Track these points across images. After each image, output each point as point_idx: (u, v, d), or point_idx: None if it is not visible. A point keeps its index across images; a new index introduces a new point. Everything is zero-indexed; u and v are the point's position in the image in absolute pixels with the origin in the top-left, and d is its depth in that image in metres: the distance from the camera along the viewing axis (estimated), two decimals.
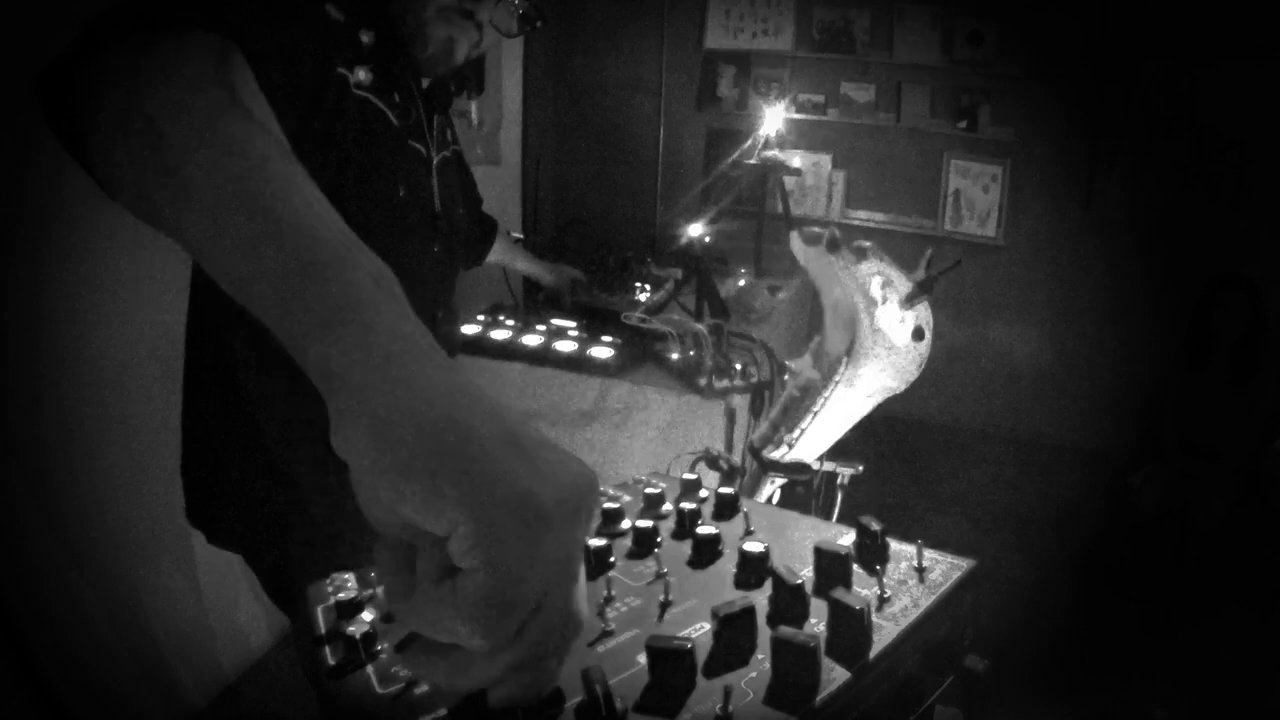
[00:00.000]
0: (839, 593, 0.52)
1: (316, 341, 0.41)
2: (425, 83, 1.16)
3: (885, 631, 0.52)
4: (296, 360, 0.43)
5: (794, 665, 0.47)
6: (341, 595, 0.58)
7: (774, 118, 3.06)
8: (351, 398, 0.40)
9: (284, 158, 0.50)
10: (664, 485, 0.77)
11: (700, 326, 1.89)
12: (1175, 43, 3.54)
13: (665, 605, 0.57)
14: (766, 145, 2.98)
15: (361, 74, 0.98)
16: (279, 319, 0.43)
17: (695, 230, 2.53)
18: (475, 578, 0.37)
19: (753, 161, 3.00)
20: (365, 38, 1.00)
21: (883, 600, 0.56)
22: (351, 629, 0.53)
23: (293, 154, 0.51)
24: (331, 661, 0.52)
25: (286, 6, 0.82)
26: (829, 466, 1.01)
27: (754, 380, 1.67)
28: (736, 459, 1.13)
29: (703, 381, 1.84)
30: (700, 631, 0.53)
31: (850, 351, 0.91)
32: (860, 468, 1.02)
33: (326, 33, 0.93)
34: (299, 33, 0.84)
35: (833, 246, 0.88)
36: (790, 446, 0.96)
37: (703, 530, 0.65)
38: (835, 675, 0.48)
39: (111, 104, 0.52)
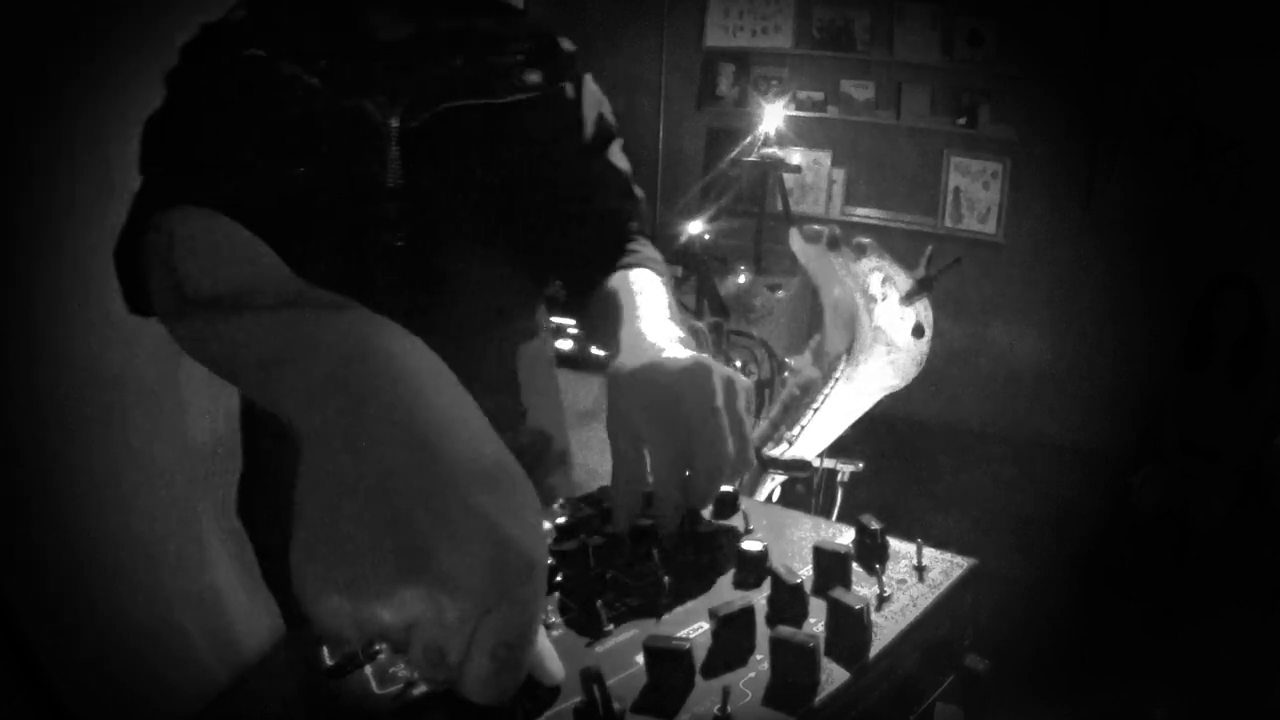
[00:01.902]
0: (838, 592, 0.52)
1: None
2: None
3: (885, 631, 0.52)
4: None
5: (793, 665, 0.47)
6: None
7: (774, 115, 3.06)
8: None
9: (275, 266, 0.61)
10: None
11: (700, 325, 1.89)
12: (1175, 43, 3.54)
13: (664, 605, 0.56)
14: (766, 143, 2.98)
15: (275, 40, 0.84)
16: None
17: (695, 228, 2.53)
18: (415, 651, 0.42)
19: (752, 159, 3.00)
20: None
21: (882, 599, 0.56)
22: None
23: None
24: (329, 661, 0.52)
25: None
26: (829, 464, 1.01)
27: (754, 378, 1.66)
28: None
29: None
30: (699, 631, 0.53)
31: (850, 349, 0.91)
32: (860, 465, 1.02)
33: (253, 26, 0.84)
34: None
35: (833, 244, 0.88)
36: (790, 444, 0.96)
37: (702, 528, 0.65)
38: (834, 675, 0.48)
39: (160, 285, 0.65)
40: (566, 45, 0.98)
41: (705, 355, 0.68)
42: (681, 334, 0.75)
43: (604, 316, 0.84)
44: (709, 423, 0.61)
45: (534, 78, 0.93)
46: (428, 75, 0.88)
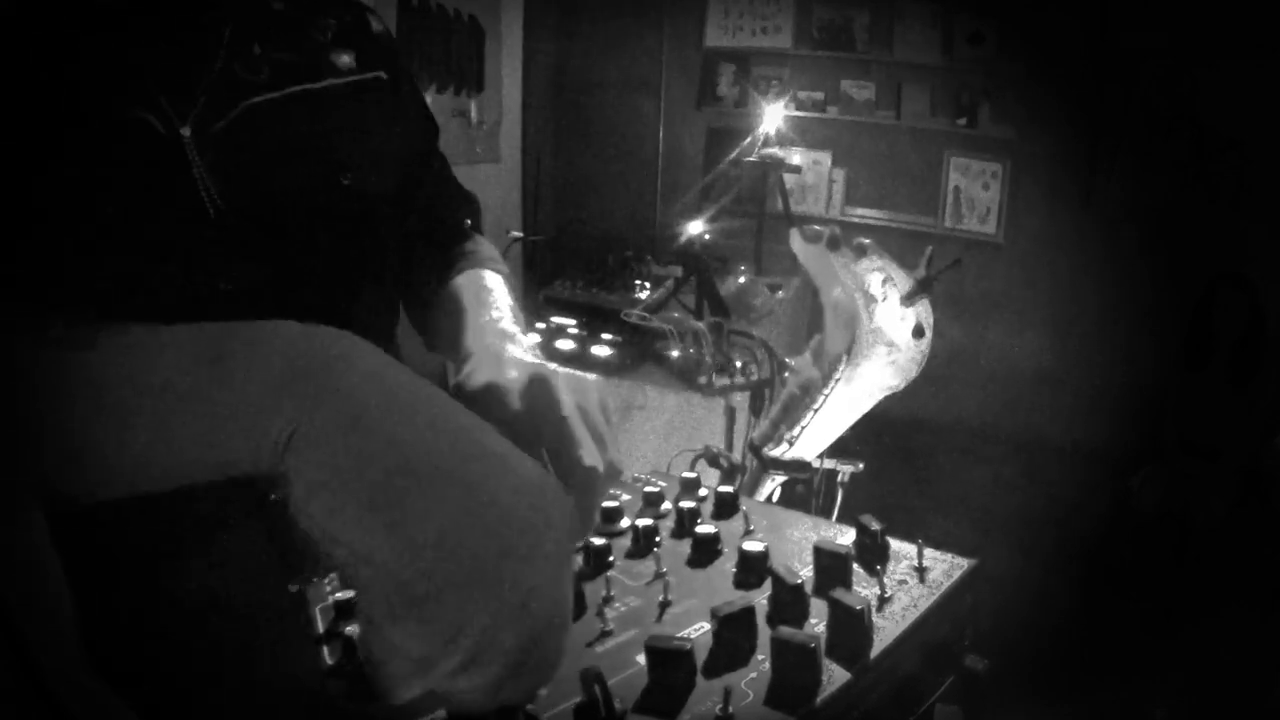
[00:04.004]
0: (839, 592, 0.52)
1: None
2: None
3: (885, 631, 0.52)
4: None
5: (794, 665, 0.47)
6: (339, 595, 0.58)
7: (774, 116, 3.06)
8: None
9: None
10: (663, 484, 0.77)
11: (700, 325, 1.89)
12: (1175, 43, 3.53)
13: (665, 605, 0.56)
14: (766, 143, 2.98)
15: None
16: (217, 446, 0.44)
17: (695, 228, 2.53)
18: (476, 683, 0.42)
19: (753, 159, 3.00)
20: None
21: (883, 600, 0.56)
22: (350, 629, 0.52)
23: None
24: (329, 662, 0.52)
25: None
26: (829, 464, 1.01)
27: (754, 378, 1.66)
28: (736, 457, 1.13)
29: (703, 380, 1.83)
30: (700, 631, 0.53)
31: (850, 349, 0.91)
32: (861, 465, 1.02)
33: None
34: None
35: (833, 244, 0.88)
36: (790, 444, 0.96)
37: (702, 529, 0.65)
38: (835, 675, 0.48)
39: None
40: (377, 25, 0.85)
41: (543, 363, 0.63)
42: (523, 338, 0.71)
43: (446, 326, 0.78)
44: (563, 434, 0.56)
45: (346, 59, 0.79)
46: (219, 68, 0.70)
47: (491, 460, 0.44)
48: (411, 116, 0.89)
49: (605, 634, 0.53)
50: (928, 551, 0.61)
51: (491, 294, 0.80)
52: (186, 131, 0.67)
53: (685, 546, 0.65)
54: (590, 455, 0.55)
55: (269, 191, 0.72)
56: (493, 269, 0.87)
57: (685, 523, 0.68)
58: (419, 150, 0.90)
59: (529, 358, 0.65)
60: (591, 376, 0.62)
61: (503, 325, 0.73)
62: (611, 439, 0.58)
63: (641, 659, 0.49)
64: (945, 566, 0.61)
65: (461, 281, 0.84)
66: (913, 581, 0.58)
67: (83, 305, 0.59)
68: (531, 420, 0.57)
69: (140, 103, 0.65)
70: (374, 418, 0.43)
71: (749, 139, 3.04)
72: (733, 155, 3.18)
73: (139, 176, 0.66)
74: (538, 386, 0.58)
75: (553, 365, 0.62)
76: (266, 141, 0.72)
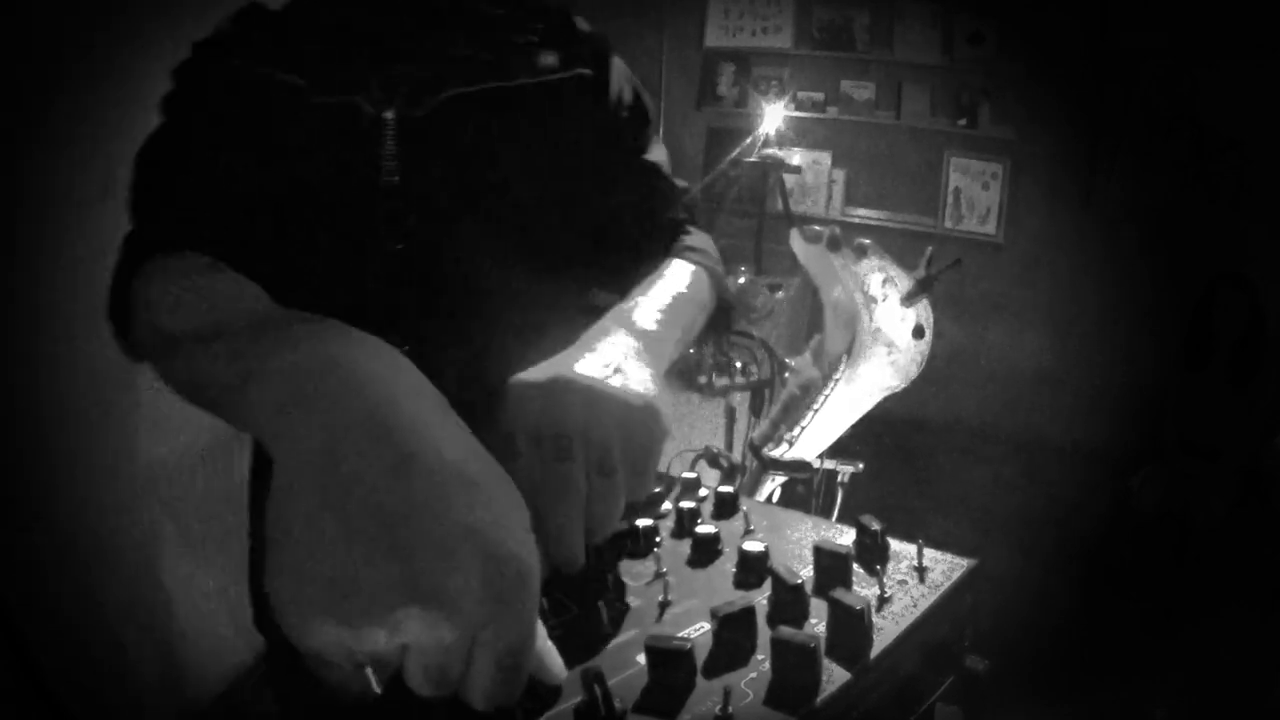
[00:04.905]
0: (839, 592, 0.52)
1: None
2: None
3: (885, 631, 0.52)
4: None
5: (794, 665, 0.47)
6: None
7: (774, 116, 3.06)
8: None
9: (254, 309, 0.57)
10: (663, 484, 0.77)
11: None
12: (1175, 43, 3.54)
13: (664, 605, 0.57)
14: (766, 143, 2.98)
15: (258, 38, 0.78)
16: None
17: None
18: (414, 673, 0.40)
19: (753, 159, 2.99)
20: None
21: (883, 600, 0.56)
22: None
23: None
24: None
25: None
26: (829, 465, 1.01)
27: (754, 378, 1.67)
28: (736, 457, 1.13)
29: (703, 380, 1.84)
30: (700, 631, 0.53)
31: (850, 349, 0.91)
32: (860, 466, 1.02)
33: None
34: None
35: (833, 245, 0.88)
36: (790, 444, 0.96)
37: (702, 529, 0.65)
38: (835, 675, 0.48)
39: (141, 330, 0.68)
40: (584, 25, 0.91)
41: (579, 369, 0.56)
42: (645, 327, 0.67)
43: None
44: (559, 452, 0.51)
45: (549, 60, 0.83)
46: (426, 62, 0.78)
47: (452, 533, 0.39)
48: (620, 113, 0.91)
49: (605, 634, 0.53)
50: (928, 551, 0.61)
51: (660, 281, 0.77)
52: (390, 115, 0.76)
53: (685, 546, 0.65)
54: (577, 485, 0.51)
55: (448, 175, 0.78)
56: (688, 259, 0.85)
57: (685, 523, 0.68)
58: (624, 147, 0.92)
59: (598, 356, 0.59)
60: (633, 394, 0.56)
61: (633, 315, 0.69)
62: (628, 474, 0.53)
63: (641, 659, 0.49)
64: (945, 566, 0.61)
65: (650, 273, 0.81)
66: (913, 581, 0.59)
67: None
68: (538, 429, 0.53)
69: (354, 86, 0.75)
70: (345, 451, 0.41)
71: (749, 139, 3.04)
72: (733, 155, 3.18)
73: (338, 153, 0.75)
74: (548, 390, 0.54)
75: (609, 370, 0.57)
76: (458, 132, 0.78)
